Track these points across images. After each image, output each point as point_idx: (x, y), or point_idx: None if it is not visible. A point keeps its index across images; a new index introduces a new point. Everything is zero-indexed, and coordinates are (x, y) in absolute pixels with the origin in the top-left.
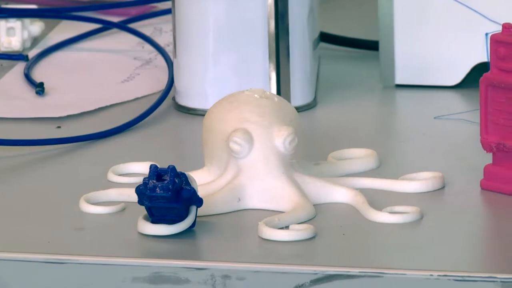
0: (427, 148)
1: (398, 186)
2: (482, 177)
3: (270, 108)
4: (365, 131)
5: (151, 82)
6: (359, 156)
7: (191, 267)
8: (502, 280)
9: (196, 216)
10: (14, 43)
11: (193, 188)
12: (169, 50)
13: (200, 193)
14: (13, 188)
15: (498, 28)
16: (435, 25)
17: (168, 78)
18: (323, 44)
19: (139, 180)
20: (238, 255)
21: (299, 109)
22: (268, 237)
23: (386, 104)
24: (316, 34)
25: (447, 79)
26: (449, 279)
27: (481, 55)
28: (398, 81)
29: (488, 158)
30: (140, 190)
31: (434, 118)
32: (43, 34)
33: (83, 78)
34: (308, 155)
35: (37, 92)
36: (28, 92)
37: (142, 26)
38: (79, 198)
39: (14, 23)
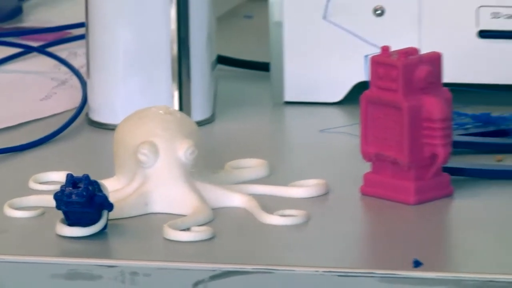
0: (313, 158)
1: (287, 192)
2: (362, 184)
3: (173, 123)
4: (258, 143)
5: (67, 100)
6: (252, 165)
7: (103, 265)
8: (380, 275)
9: (107, 220)
10: None
11: (105, 195)
12: (83, 71)
13: (111, 199)
14: None
15: (376, 51)
16: (320, 48)
17: (82, 97)
18: (220, 66)
19: (57, 187)
20: (145, 254)
21: (199, 123)
22: (172, 238)
23: (276, 119)
24: (214, 57)
25: (330, 96)
26: (333, 275)
27: (361, 75)
28: (287, 98)
29: (367, 167)
30: (58, 197)
31: (319, 131)
32: None
33: (6, 97)
34: (207, 164)
35: None
36: None
37: (59, 50)
38: (3, 204)
39: None
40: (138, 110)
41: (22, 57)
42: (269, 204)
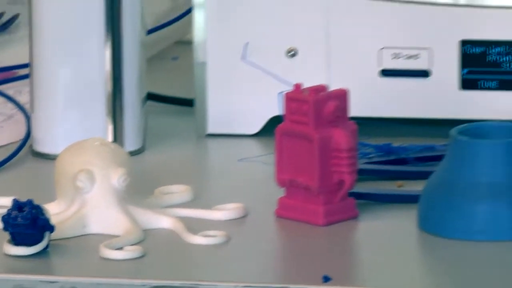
0: (233, 184)
1: (209, 215)
2: (277, 207)
3: (108, 153)
4: (183, 171)
5: (12, 133)
6: (178, 191)
7: (45, 281)
8: None
9: (49, 240)
10: None
11: (47, 218)
12: (27, 107)
13: (53, 221)
14: None
15: (289, 88)
16: (239, 86)
17: (26, 130)
18: (150, 102)
19: (4, 211)
20: (83, 270)
21: (131, 153)
22: (107, 256)
23: (200, 150)
24: (144, 94)
25: (248, 129)
26: None
27: (276, 110)
28: (210, 131)
29: (281, 192)
30: (5, 219)
31: (238, 160)
32: None
33: None
34: (139, 190)
35: None
36: None
37: (6, 88)
38: None
39: None
40: (76, 141)
41: None
42: (193, 225)
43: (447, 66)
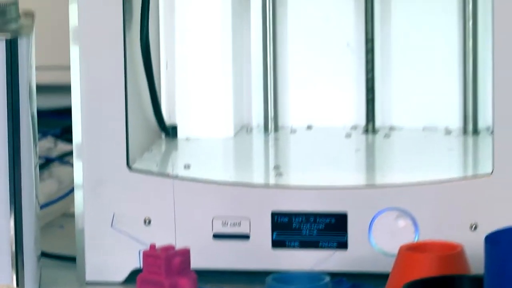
0: None
1: None
2: None
3: None
4: None
5: None
6: None
7: None
8: None
9: None
10: None
11: None
12: None
13: None
14: None
15: (146, 247)
16: (109, 245)
17: None
18: (43, 258)
19: None
20: None
21: None
22: None
23: None
24: (39, 252)
25: (116, 277)
26: None
27: (137, 263)
28: (88, 279)
29: None
30: None
31: None
32: None
33: None
34: None
35: None
36: None
37: None
38: None
39: None
40: None
41: None
42: None
43: (262, 231)
